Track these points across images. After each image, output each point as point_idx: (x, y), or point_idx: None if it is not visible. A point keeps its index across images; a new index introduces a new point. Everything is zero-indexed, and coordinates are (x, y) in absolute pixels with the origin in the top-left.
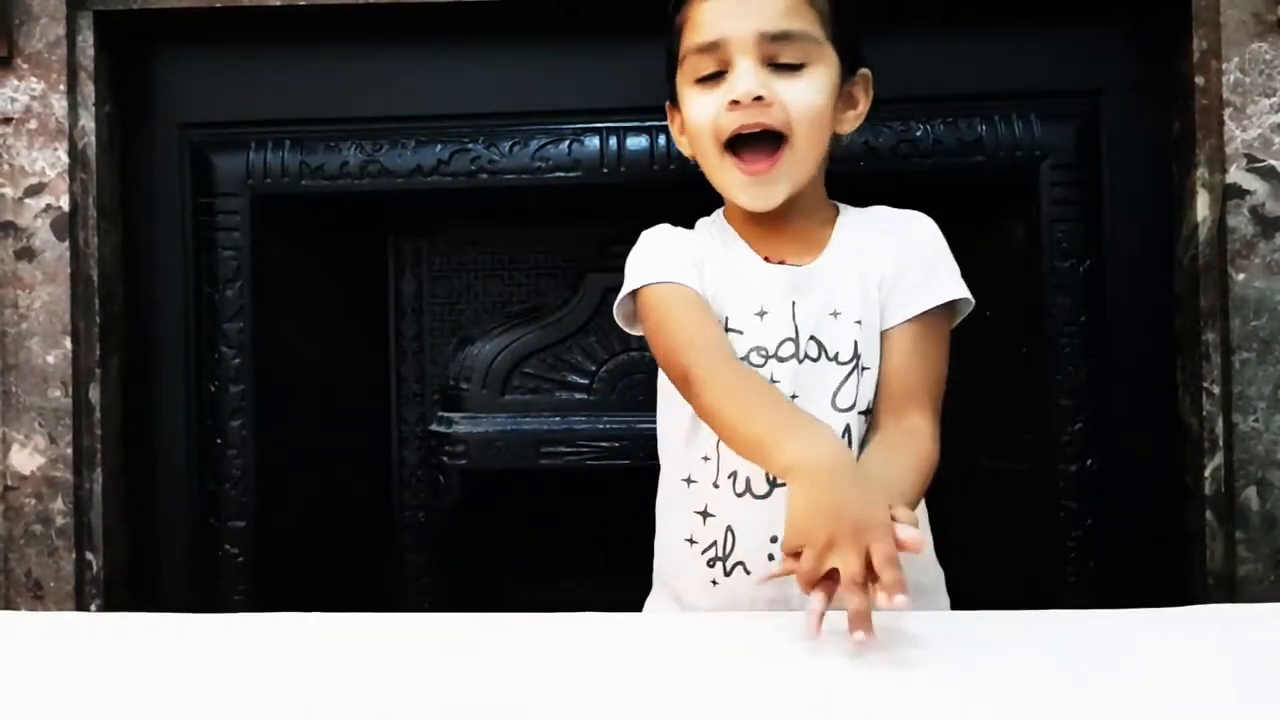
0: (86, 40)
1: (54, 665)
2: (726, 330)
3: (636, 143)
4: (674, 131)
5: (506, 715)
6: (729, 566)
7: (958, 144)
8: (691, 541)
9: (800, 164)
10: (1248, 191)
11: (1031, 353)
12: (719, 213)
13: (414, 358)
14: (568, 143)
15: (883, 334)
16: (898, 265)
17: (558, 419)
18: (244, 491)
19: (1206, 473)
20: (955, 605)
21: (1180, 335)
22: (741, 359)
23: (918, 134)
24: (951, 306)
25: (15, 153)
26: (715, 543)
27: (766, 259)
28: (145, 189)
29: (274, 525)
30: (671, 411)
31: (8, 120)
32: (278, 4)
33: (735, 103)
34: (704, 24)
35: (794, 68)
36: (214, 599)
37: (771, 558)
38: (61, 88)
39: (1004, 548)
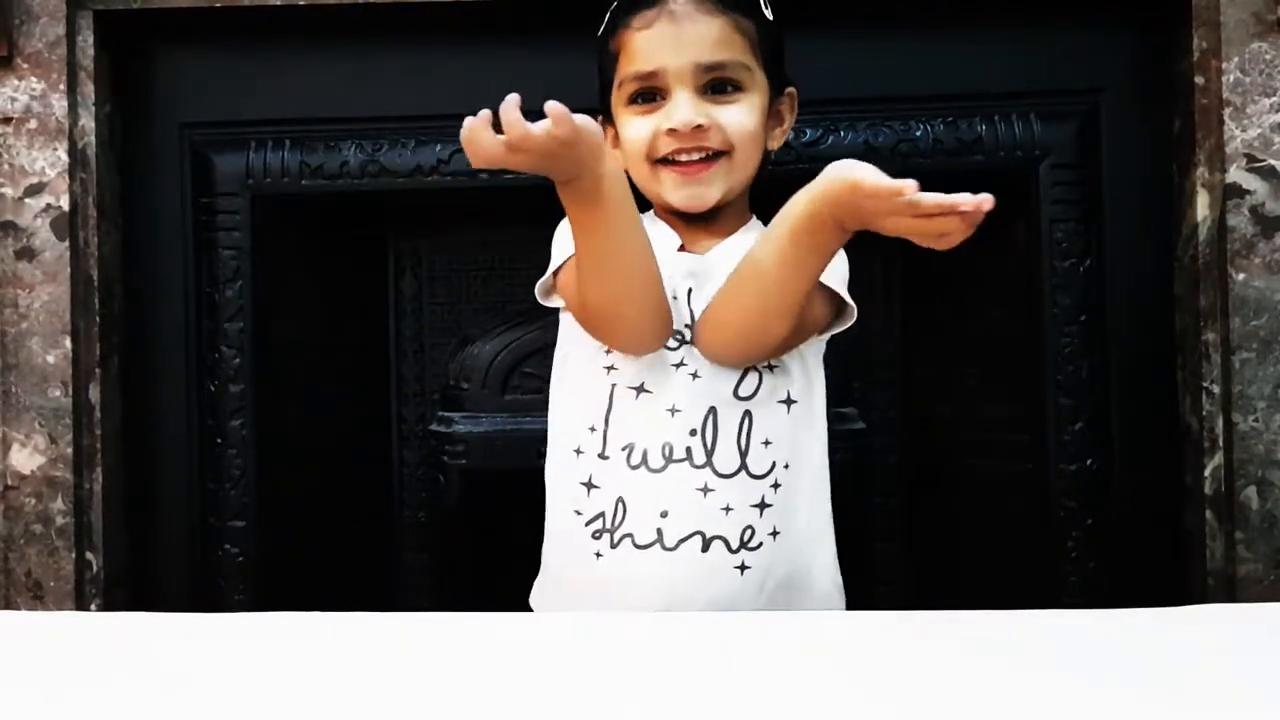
0: (87, 40)
1: (54, 665)
2: None
3: None
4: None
5: (506, 715)
6: (617, 538)
7: (957, 143)
8: (578, 513)
9: (734, 173)
10: (1248, 191)
11: (1031, 353)
12: (649, 213)
13: (414, 358)
14: None
15: None
16: None
17: None
18: (244, 491)
19: (1206, 472)
20: (955, 605)
21: (1180, 335)
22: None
23: (917, 134)
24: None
25: (15, 152)
26: (603, 514)
27: (682, 248)
28: (145, 189)
29: (274, 525)
30: (563, 383)
31: (8, 120)
32: (278, 4)
33: (673, 130)
34: (641, 54)
35: (728, 94)
36: (214, 599)
37: (659, 532)
38: (61, 87)
39: (1004, 548)
